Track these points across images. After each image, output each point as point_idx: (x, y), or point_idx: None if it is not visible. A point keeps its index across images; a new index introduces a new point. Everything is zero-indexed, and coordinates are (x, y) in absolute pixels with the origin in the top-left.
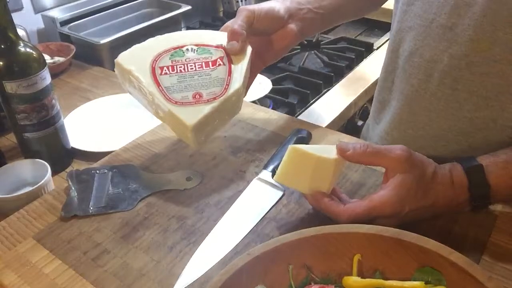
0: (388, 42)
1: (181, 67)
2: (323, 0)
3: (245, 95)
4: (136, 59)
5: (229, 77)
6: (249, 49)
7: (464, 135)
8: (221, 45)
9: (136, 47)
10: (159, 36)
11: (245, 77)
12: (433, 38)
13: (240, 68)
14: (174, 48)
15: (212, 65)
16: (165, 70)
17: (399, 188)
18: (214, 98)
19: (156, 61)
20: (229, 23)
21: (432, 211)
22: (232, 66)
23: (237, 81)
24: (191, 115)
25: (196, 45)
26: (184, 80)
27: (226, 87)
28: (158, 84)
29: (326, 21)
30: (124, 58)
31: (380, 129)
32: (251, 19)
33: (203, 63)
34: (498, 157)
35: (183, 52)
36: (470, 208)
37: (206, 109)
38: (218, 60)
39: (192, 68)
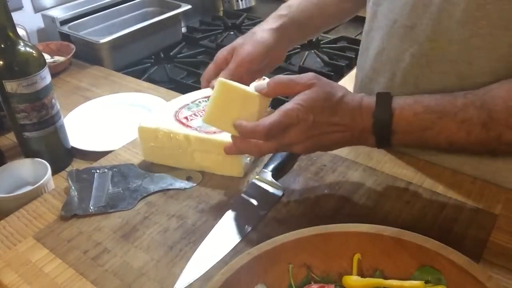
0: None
1: (201, 112)
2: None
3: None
4: (158, 119)
5: None
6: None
7: None
8: None
9: (153, 112)
10: (168, 102)
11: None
12: (397, 37)
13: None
14: (187, 104)
15: None
16: (190, 118)
17: (305, 99)
18: None
19: (177, 115)
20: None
21: (339, 133)
22: None
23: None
24: None
25: (205, 97)
26: None
27: None
28: (190, 127)
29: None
30: (146, 121)
31: None
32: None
33: None
34: (413, 96)
35: (197, 104)
36: (374, 141)
37: None
38: None
39: None
